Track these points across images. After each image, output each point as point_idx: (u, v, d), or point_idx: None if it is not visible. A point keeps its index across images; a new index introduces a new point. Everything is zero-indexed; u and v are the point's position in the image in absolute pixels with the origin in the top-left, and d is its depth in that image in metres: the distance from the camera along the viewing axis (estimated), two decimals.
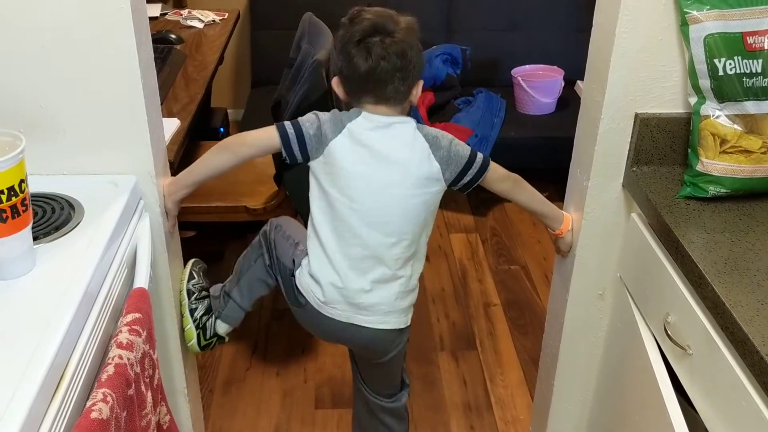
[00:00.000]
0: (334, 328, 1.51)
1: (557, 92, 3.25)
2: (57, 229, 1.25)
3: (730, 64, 1.34)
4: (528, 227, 3.11)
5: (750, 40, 1.35)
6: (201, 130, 2.60)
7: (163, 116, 1.54)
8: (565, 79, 3.27)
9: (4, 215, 1.07)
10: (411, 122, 1.45)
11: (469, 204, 3.25)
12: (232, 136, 1.54)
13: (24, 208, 1.10)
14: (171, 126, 1.92)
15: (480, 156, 1.47)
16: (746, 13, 1.35)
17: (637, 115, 1.45)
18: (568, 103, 3.22)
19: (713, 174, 1.37)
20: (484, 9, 3.55)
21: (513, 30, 3.57)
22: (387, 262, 1.45)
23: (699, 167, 1.38)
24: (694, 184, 1.39)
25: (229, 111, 3.64)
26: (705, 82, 1.36)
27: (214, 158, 1.48)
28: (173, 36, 2.54)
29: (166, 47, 2.41)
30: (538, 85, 3.23)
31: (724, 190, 1.37)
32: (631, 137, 1.47)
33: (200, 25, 2.69)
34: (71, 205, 1.32)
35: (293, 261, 1.51)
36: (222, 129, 2.88)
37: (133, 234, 1.36)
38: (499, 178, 1.51)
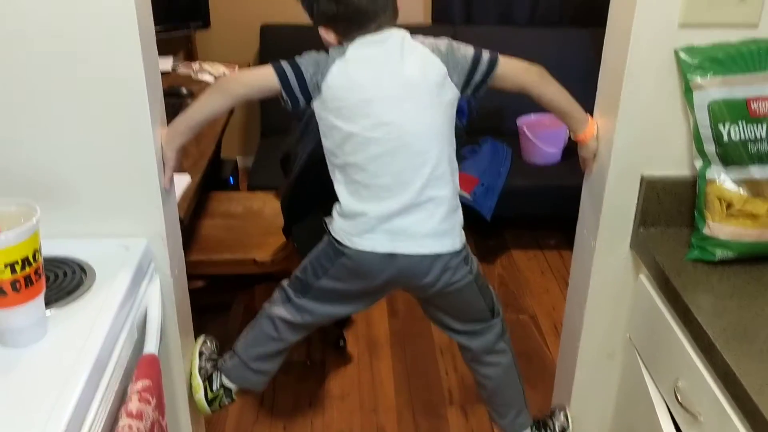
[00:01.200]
0: (378, 265, 1.43)
1: (563, 142, 3.28)
2: (69, 293, 1.26)
3: (735, 129, 1.36)
4: (536, 276, 3.11)
5: (754, 105, 1.36)
6: (211, 181, 2.63)
7: None
8: None
9: (18, 285, 1.09)
10: (404, 32, 1.40)
11: (477, 251, 3.25)
12: (226, 77, 1.47)
13: (37, 277, 1.12)
14: (182, 182, 1.95)
15: (486, 52, 1.42)
16: (750, 79, 1.37)
17: (643, 177, 1.47)
18: (574, 152, 3.24)
19: (720, 238, 1.38)
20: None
21: None
22: (416, 185, 1.39)
23: (706, 231, 1.39)
24: (701, 247, 1.39)
25: (238, 158, 3.69)
26: (710, 147, 1.38)
27: (209, 100, 1.41)
28: (184, 90, 2.59)
29: (178, 101, 2.45)
30: (543, 134, 3.26)
31: (732, 254, 1.38)
32: (638, 199, 1.49)
33: (211, 79, 2.73)
34: (83, 269, 1.33)
35: (327, 229, 1.47)
36: (232, 179, 2.91)
37: (144, 297, 1.37)
38: (519, 70, 1.44)
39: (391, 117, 1.36)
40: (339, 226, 1.45)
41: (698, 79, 1.36)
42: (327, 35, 1.41)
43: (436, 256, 1.44)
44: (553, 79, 1.47)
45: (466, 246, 1.50)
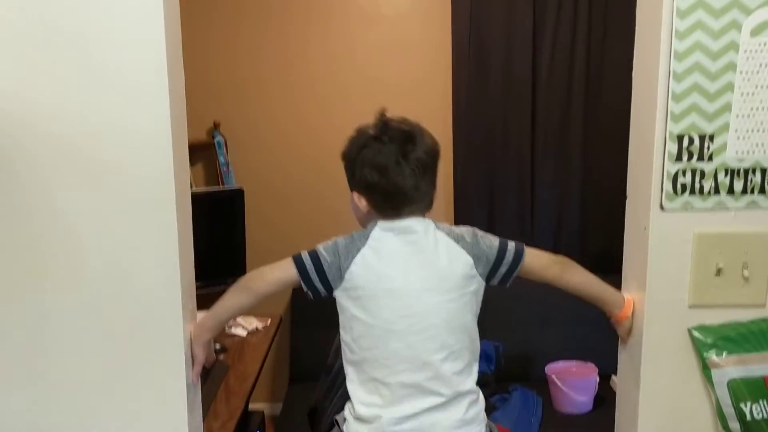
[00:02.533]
0: None
1: (593, 390, 3.24)
2: None
3: (756, 408, 1.37)
4: None
5: None
6: None
7: None
8: (599, 374, 3.28)
9: None
10: (429, 222, 1.38)
11: None
12: (250, 274, 1.47)
13: None
14: None
15: (512, 243, 1.40)
16: (765, 357, 1.40)
17: None
18: (605, 400, 3.20)
19: None
20: (516, 304, 3.68)
21: (545, 325, 3.66)
22: (440, 381, 1.34)
23: None
24: None
25: (266, 405, 3.67)
26: (735, 425, 1.38)
27: (234, 298, 1.43)
28: (217, 345, 2.67)
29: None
30: (573, 383, 3.23)
31: None
32: None
33: (244, 333, 2.83)
34: None
35: (332, 423, 1.42)
36: None
37: None
38: (544, 265, 1.43)
39: (417, 309, 1.35)
40: (354, 429, 1.41)
41: (714, 358, 1.40)
42: (359, 201, 1.42)
43: None
44: (579, 268, 1.48)
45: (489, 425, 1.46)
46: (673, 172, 1.39)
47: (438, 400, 1.37)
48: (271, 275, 1.43)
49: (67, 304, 1.34)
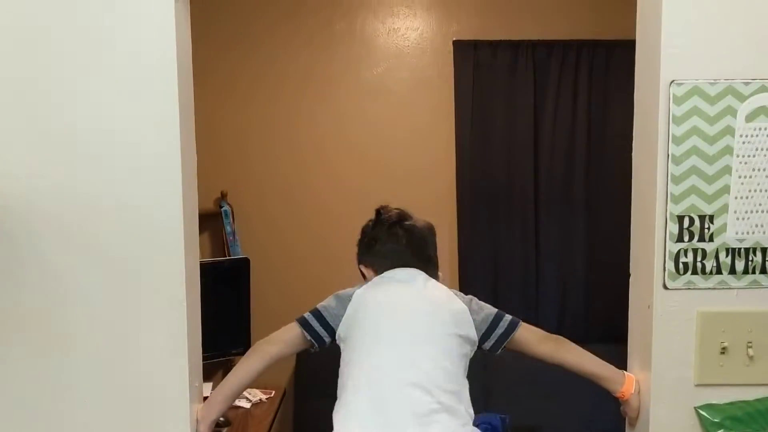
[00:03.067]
0: None
1: None
2: None
3: None
4: None
5: None
6: None
7: None
8: None
9: None
10: (423, 273, 1.54)
11: None
12: (260, 343, 1.57)
13: None
14: None
15: (508, 315, 1.49)
16: None
17: None
18: None
19: None
20: (523, 376, 3.65)
21: (552, 398, 3.62)
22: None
23: None
24: None
25: None
26: None
27: (244, 365, 1.51)
28: (222, 419, 2.65)
29: (216, 430, 2.49)
30: None
31: None
32: None
33: (248, 405, 2.81)
34: None
35: None
36: None
37: None
38: (537, 339, 1.49)
39: (408, 326, 1.46)
40: None
41: None
42: (366, 272, 1.60)
43: None
44: (574, 346, 1.53)
45: None
46: (675, 251, 1.41)
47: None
48: (277, 336, 1.57)
49: (73, 381, 1.35)
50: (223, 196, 3.27)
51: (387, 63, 3.33)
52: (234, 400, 1.55)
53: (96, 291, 1.35)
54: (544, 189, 3.25)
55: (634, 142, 1.52)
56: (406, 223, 1.62)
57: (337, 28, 3.30)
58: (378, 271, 1.59)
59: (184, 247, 1.35)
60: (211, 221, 3.29)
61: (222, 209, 3.24)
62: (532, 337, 1.52)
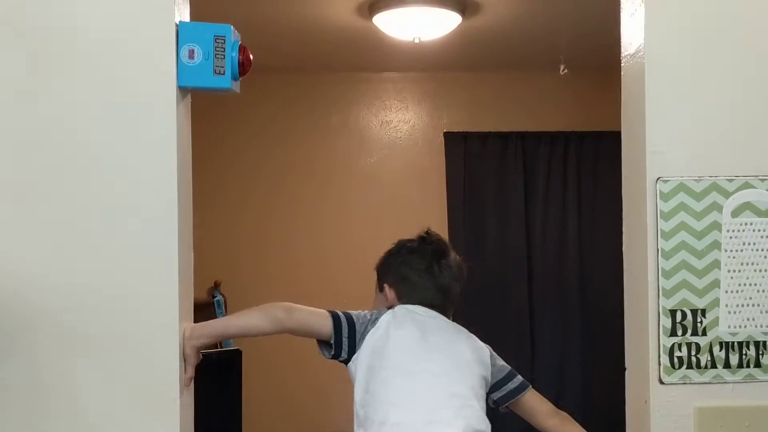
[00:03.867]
0: None
1: None
2: None
3: None
4: None
5: None
6: None
7: None
8: None
9: None
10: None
11: None
12: (278, 303, 1.45)
13: None
14: None
15: (520, 376, 1.48)
16: None
17: None
18: None
19: None
20: None
21: None
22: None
23: None
24: None
25: None
26: None
27: (254, 320, 1.42)
28: None
29: None
30: None
31: None
32: None
33: None
34: None
35: None
36: None
37: None
38: (545, 411, 1.46)
39: (428, 349, 1.42)
40: None
41: None
42: (389, 292, 1.53)
43: None
44: (578, 426, 1.50)
45: None
46: (669, 345, 1.41)
47: None
48: (301, 315, 1.45)
49: None
50: (216, 285, 3.27)
51: (380, 153, 3.41)
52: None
53: (88, 390, 1.33)
54: (537, 285, 3.27)
55: (624, 236, 1.55)
56: (444, 261, 1.55)
57: (333, 120, 3.39)
58: (401, 299, 1.53)
59: (179, 346, 1.35)
60: (205, 311, 3.27)
61: (215, 299, 3.23)
62: (541, 408, 1.51)
